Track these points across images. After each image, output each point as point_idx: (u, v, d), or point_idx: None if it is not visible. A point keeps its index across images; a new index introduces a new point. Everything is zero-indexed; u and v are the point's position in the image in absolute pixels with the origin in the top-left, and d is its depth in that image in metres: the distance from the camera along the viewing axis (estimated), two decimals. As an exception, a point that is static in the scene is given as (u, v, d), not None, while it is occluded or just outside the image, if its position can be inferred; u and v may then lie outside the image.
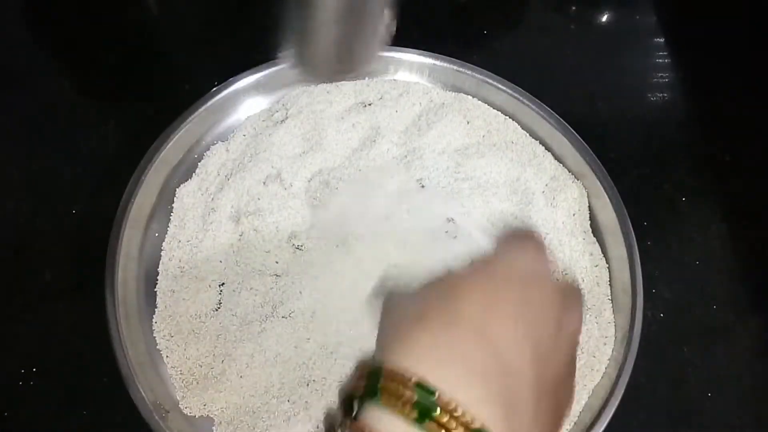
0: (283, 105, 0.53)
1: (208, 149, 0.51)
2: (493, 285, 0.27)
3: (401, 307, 0.29)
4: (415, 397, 0.22)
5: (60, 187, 0.51)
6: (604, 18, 0.64)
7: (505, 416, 0.23)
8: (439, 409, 0.22)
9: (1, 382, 0.44)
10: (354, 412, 0.25)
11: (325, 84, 0.54)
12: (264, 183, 0.49)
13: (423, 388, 0.23)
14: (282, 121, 0.52)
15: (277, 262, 0.47)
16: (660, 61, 0.61)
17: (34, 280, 0.48)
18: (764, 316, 0.50)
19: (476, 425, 0.22)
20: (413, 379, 0.23)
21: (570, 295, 0.30)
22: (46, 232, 0.49)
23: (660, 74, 0.60)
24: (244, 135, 0.52)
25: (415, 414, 0.22)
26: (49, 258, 0.48)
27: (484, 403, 0.23)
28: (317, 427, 0.42)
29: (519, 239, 0.31)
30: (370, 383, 0.24)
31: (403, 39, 0.56)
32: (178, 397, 0.43)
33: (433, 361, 0.24)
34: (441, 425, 0.22)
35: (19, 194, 0.51)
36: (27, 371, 0.45)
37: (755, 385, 0.48)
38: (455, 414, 0.22)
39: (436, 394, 0.22)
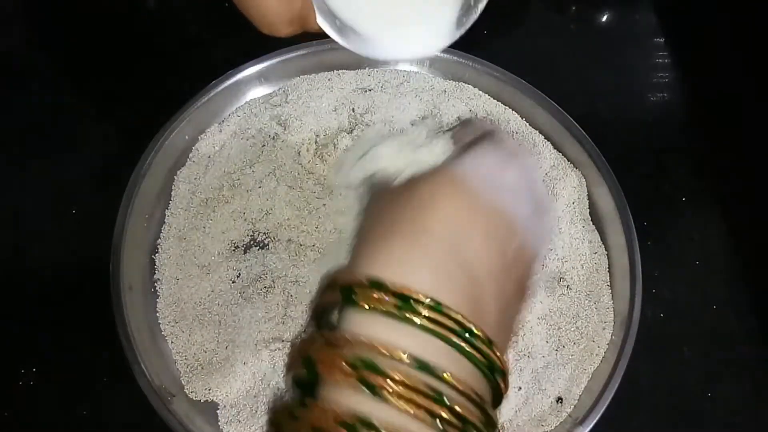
0: (283, 91, 0.53)
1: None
2: (464, 201, 0.27)
3: (375, 214, 0.29)
4: (394, 301, 0.23)
5: (60, 187, 0.51)
6: (604, 18, 0.64)
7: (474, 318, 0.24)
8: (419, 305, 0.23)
9: (1, 382, 0.44)
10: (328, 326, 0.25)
11: (325, 72, 0.54)
12: (251, 161, 0.50)
13: (400, 294, 0.24)
14: (280, 105, 0.52)
15: (276, 239, 0.47)
16: (660, 61, 0.61)
17: (34, 280, 0.47)
18: (764, 316, 0.50)
19: (455, 317, 0.23)
20: (390, 286, 0.24)
21: (541, 206, 0.30)
22: (46, 232, 0.49)
23: (660, 74, 0.60)
24: (239, 116, 0.52)
25: (394, 306, 0.23)
26: (49, 258, 0.48)
27: (456, 305, 0.24)
28: None
29: (488, 141, 0.31)
30: (345, 294, 0.24)
31: (403, 39, 0.56)
32: (183, 382, 0.44)
33: (405, 273, 0.24)
34: (425, 317, 0.23)
35: (19, 194, 0.51)
36: (27, 371, 0.45)
37: (755, 385, 0.48)
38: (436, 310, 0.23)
39: (415, 296, 0.23)
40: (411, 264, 0.25)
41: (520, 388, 0.44)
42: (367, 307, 0.24)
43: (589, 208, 0.51)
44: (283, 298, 0.45)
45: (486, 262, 0.26)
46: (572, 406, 0.44)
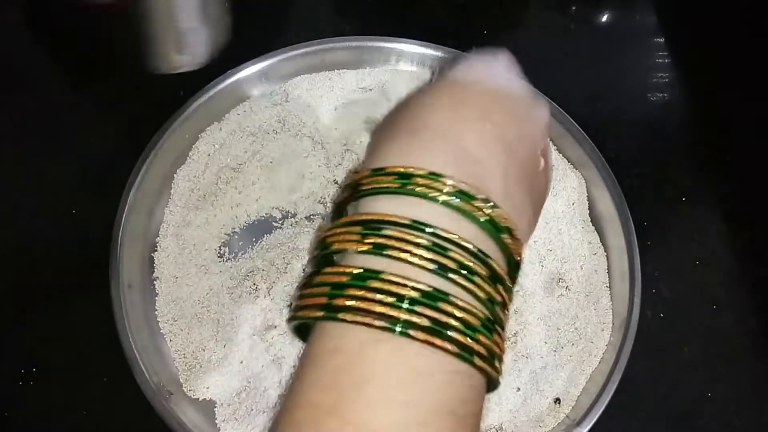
0: (284, 90, 0.53)
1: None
2: (458, 97, 0.30)
3: (378, 130, 0.33)
4: (393, 179, 0.26)
5: (60, 187, 0.51)
6: (604, 18, 0.64)
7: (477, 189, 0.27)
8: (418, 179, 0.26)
9: (1, 382, 0.44)
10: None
11: (326, 71, 0.54)
12: (251, 159, 0.50)
13: (398, 172, 0.26)
14: (280, 104, 0.52)
15: (271, 234, 0.48)
16: (660, 61, 0.61)
17: (34, 280, 0.48)
18: (764, 316, 0.50)
19: (451, 183, 0.26)
20: (389, 169, 0.26)
21: (536, 105, 0.33)
22: (46, 232, 0.49)
23: (660, 74, 0.60)
24: (239, 115, 0.52)
25: (394, 183, 0.26)
26: (49, 258, 0.48)
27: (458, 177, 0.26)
28: None
29: (484, 58, 0.34)
30: (354, 188, 0.28)
31: (402, 38, 0.56)
32: (181, 380, 0.44)
33: (405, 159, 0.27)
34: (421, 187, 0.25)
35: (19, 194, 0.51)
36: (27, 371, 0.45)
37: (755, 385, 0.48)
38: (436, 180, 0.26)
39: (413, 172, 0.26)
40: (410, 152, 0.27)
41: (519, 389, 0.44)
42: (371, 189, 0.26)
43: (588, 209, 0.51)
44: (283, 296, 0.45)
45: (487, 148, 0.28)
46: (570, 407, 0.44)
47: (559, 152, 0.53)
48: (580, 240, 0.49)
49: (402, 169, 0.26)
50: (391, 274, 0.23)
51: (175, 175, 0.50)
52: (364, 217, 0.26)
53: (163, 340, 0.45)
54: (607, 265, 0.49)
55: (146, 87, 0.55)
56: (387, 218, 0.25)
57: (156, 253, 0.47)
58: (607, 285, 0.48)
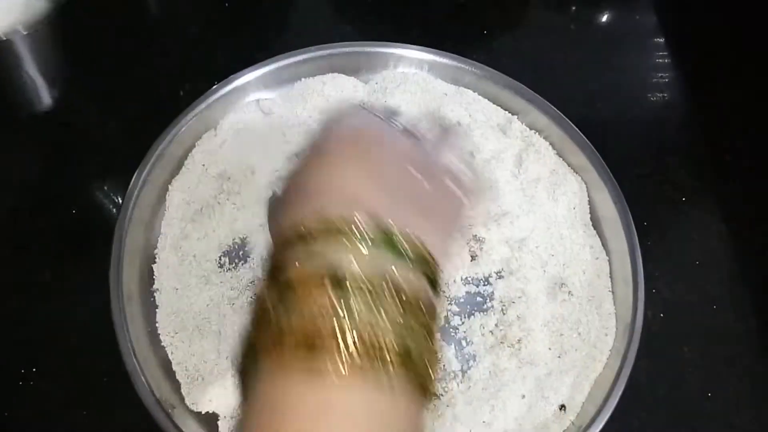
0: (280, 97, 0.53)
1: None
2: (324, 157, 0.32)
3: (282, 195, 0.34)
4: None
5: (60, 187, 0.51)
6: (604, 18, 0.64)
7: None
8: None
9: (1, 382, 0.44)
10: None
11: (321, 75, 0.54)
12: (247, 167, 0.49)
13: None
14: (276, 111, 0.52)
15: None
16: (660, 61, 0.61)
17: (34, 280, 0.47)
18: (764, 316, 0.50)
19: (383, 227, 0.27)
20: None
21: (394, 136, 0.34)
22: (46, 232, 0.49)
23: (660, 74, 0.60)
24: (232, 120, 0.52)
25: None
26: (49, 258, 0.48)
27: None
28: None
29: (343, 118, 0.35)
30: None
31: (402, 38, 0.56)
32: (183, 393, 0.43)
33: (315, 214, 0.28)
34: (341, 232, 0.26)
35: (19, 194, 0.51)
36: (27, 371, 0.45)
37: (755, 385, 0.48)
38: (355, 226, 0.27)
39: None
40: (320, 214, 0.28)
41: (524, 396, 0.44)
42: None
43: (590, 213, 0.51)
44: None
45: (377, 197, 0.29)
46: (575, 414, 0.44)
47: (560, 156, 0.52)
48: (582, 244, 0.49)
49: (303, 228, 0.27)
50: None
51: (170, 186, 0.49)
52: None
53: (164, 353, 0.44)
54: (610, 270, 0.48)
55: (146, 87, 0.55)
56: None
57: (155, 264, 0.47)
58: (610, 289, 0.48)
